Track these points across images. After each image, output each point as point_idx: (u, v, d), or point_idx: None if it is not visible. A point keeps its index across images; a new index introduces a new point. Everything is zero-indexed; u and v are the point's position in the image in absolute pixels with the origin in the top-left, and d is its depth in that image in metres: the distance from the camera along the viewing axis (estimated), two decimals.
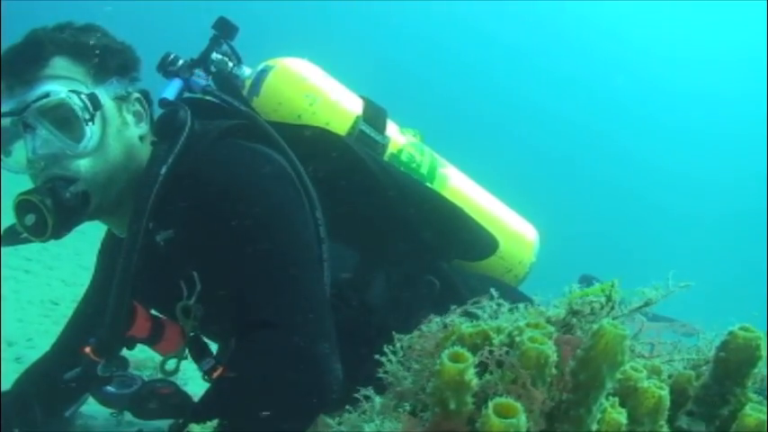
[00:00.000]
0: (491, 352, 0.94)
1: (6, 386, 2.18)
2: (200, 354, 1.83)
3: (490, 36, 27.56)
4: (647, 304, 1.10)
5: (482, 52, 27.96)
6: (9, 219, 1.68)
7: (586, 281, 2.62)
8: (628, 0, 24.54)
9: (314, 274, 1.67)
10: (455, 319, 1.09)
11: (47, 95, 1.59)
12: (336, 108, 2.04)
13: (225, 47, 2.06)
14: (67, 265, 4.92)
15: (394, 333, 1.12)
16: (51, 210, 1.57)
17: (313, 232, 1.72)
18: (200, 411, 1.48)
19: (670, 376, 1.06)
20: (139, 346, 1.91)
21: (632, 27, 26.16)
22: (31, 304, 3.84)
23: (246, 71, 2.08)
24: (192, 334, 1.78)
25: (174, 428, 1.54)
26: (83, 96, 1.63)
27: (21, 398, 2.04)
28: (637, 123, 26.96)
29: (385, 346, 1.12)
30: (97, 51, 1.70)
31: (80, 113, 1.62)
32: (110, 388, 1.82)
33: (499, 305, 1.15)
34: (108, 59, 1.72)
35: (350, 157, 1.92)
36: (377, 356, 1.12)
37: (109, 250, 2.10)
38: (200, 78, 1.99)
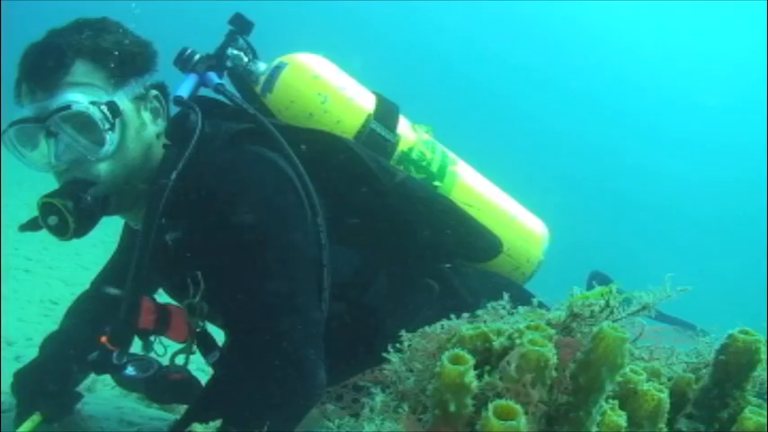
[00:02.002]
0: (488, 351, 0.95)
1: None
2: (207, 347, 1.89)
3: (502, 46, 27.64)
4: (644, 308, 1.10)
5: (491, 61, 28.06)
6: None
7: (599, 278, 2.61)
8: (635, 7, 24.59)
9: (307, 281, 1.69)
10: (459, 321, 1.09)
11: (68, 107, 1.65)
12: (348, 107, 2.04)
13: (241, 42, 2.06)
14: (67, 265, 4.92)
15: (402, 332, 1.13)
16: (72, 213, 1.65)
17: (312, 239, 1.73)
18: (192, 412, 1.56)
19: (670, 379, 1.06)
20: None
21: (641, 37, 26.21)
22: (31, 304, 3.85)
23: (261, 66, 2.08)
24: (198, 330, 1.85)
25: (174, 428, 1.55)
26: (103, 107, 1.67)
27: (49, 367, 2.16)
28: (642, 130, 27.02)
29: (390, 344, 1.13)
30: (116, 55, 1.74)
31: (101, 124, 1.67)
32: (128, 371, 1.89)
33: (511, 313, 1.14)
34: (127, 62, 1.76)
35: (353, 160, 1.92)
36: (382, 355, 1.13)
37: (130, 229, 2.17)
38: (215, 75, 1.99)
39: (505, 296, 1.16)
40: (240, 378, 1.55)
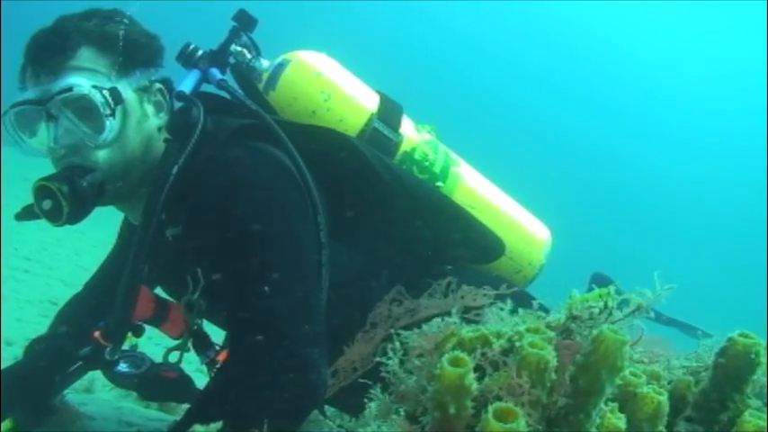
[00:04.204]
0: (483, 354, 0.95)
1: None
2: (202, 346, 1.89)
3: (505, 46, 27.66)
4: (638, 309, 1.10)
5: (494, 62, 28.08)
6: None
7: (600, 280, 2.60)
8: (637, 7, 24.61)
9: (309, 280, 1.68)
10: (454, 319, 1.09)
11: (70, 89, 1.64)
12: (351, 105, 2.03)
13: (244, 38, 2.05)
14: (67, 266, 4.92)
15: (399, 332, 1.13)
16: (67, 197, 1.63)
17: (313, 237, 1.72)
18: (193, 412, 1.55)
19: (670, 382, 1.07)
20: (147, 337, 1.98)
21: (642, 38, 26.24)
22: (30, 304, 3.85)
23: (265, 63, 2.07)
24: (194, 327, 1.85)
25: (174, 429, 1.55)
26: (105, 92, 1.67)
27: (34, 371, 2.11)
28: (645, 131, 27.04)
29: (387, 345, 1.12)
30: (123, 44, 1.74)
31: (101, 109, 1.66)
32: (121, 367, 1.88)
33: (501, 309, 1.15)
34: (133, 52, 1.76)
35: (357, 158, 1.92)
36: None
37: (128, 226, 2.16)
38: (218, 71, 1.98)
39: (508, 301, 1.16)
40: (242, 377, 1.54)
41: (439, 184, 2.12)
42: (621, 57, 27.03)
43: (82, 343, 2.09)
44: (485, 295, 1.33)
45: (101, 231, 2.08)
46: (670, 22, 25.48)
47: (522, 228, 2.25)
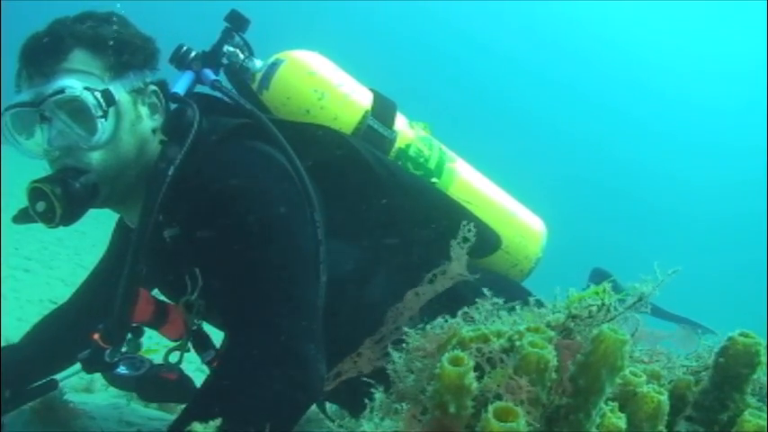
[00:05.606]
0: (479, 350, 0.95)
1: None
2: (202, 346, 1.89)
3: (502, 43, 27.68)
4: (640, 299, 1.09)
5: (490, 59, 28.08)
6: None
7: (600, 274, 2.61)
8: (637, 7, 24.62)
9: (307, 277, 1.69)
10: (458, 320, 1.10)
11: (62, 91, 1.65)
12: (345, 103, 2.03)
13: (237, 39, 2.06)
14: (67, 265, 4.92)
15: (404, 329, 1.14)
16: (60, 199, 1.64)
17: (310, 234, 1.73)
18: (191, 410, 1.55)
19: (670, 382, 1.06)
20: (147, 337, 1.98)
21: (641, 37, 26.25)
22: (31, 303, 3.85)
23: (258, 64, 2.08)
24: (194, 328, 1.85)
25: (174, 428, 1.55)
26: (97, 94, 1.67)
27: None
28: (642, 130, 27.05)
29: (392, 343, 1.13)
30: (117, 46, 1.74)
31: (94, 110, 1.66)
32: (120, 369, 1.89)
33: (494, 305, 1.15)
34: (127, 54, 1.77)
35: (352, 155, 1.92)
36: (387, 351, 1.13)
37: (121, 231, 2.17)
38: (211, 72, 1.98)
39: (492, 295, 1.16)
40: (240, 374, 1.55)
41: (434, 180, 2.13)
42: (621, 55, 27.06)
43: (53, 358, 2.10)
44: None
45: (102, 231, 2.08)
46: (670, 20, 25.49)
47: (518, 222, 2.25)
